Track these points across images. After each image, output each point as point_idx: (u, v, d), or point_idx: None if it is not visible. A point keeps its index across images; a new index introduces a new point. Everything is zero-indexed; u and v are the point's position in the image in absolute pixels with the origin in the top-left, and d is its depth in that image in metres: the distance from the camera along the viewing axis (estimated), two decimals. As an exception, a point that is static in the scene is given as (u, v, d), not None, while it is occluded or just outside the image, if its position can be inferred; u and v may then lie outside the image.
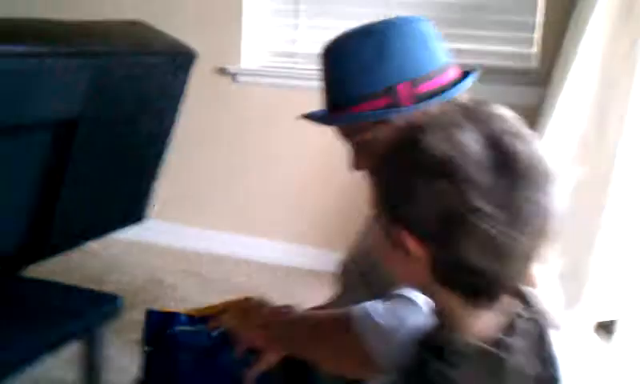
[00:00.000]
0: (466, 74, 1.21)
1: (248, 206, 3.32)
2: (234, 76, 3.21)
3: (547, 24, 2.78)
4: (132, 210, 2.06)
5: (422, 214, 0.74)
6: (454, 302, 0.79)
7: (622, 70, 2.38)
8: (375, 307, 1.01)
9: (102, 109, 1.66)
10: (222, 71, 3.21)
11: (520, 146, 0.73)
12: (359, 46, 1.12)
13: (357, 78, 1.12)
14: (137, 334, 2.31)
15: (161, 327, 1.25)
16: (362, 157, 1.17)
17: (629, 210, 2.38)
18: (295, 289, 2.91)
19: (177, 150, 2.09)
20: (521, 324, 0.79)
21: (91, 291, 1.84)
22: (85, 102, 1.58)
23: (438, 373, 0.79)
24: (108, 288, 2.60)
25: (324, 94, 1.19)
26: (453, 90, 1.13)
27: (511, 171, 0.72)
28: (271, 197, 3.27)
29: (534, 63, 2.87)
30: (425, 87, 1.11)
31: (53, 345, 1.61)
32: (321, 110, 1.22)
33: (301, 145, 3.09)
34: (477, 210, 0.71)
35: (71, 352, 2.01)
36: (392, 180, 0.78)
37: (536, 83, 2.75)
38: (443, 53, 1.17)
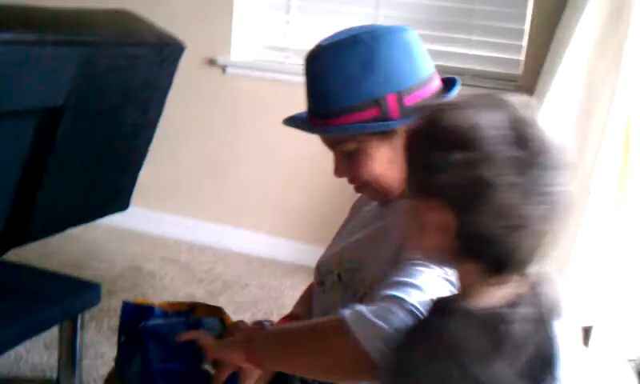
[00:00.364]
0: (448, 83, 1.22)
1: (231, 197, 3.32)
2: (223, 68, 3.21)
3: (534, 32, 2.80)
4: (114, 199, 2.06)
5: (450, 183, 0.79)
6: (474, 273, 0.84)
7: (605, 81, 2.41)
8: (367, 308, 0.96)
9: (87, 98, 1.66)
10: (212, 62, 3.21)
11: (535, 129, 0.80)
12: (345, 56, 1.11)
13: (343, 88, 1.11)
14: (115, 320, 2.33)
15: (135, 319, 1.27)
16: (347, 164, 1.17)
17: (607, 219, 2.41)
18: (273, 281, 2.93)
19: (162, 139, 2.10)
20: (528, 300, 0.84)
21: (71, 278, 1.85)
22: (70, 90, 1.58)
23: (437, 328, 0.83)
24: (86, 274, 2.60)
25: (308, 100, 1.19)
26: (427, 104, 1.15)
27: (527, 149, 0.79)
28: (255, 189, 3.28)
29: (520, 70, 2.90)
30: (410, 99, 1.12)
31: (32, 331, 1.63)
32: (302, 114, 1.22)
33: (287, 139, 3.08)
34: (497, 180, 0.77)
35: (51, 336, 2.02)
36: (421, 154, 0.84)
37: (522, 89, 2.78)
38: (427, 62, 1.17)
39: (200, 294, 2.72)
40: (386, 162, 1.15)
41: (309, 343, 1.02)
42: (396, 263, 1.12)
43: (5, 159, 1.60)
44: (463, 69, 2.92)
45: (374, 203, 1.28)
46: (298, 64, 3.34)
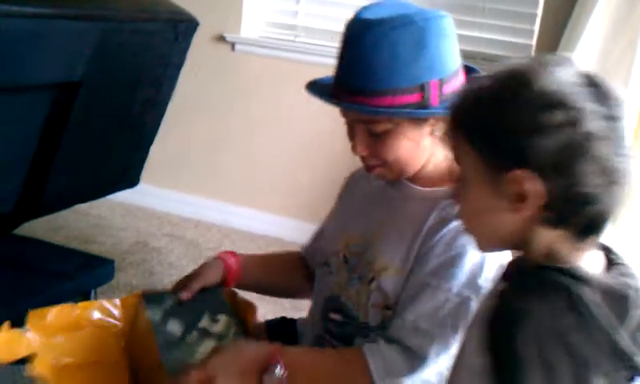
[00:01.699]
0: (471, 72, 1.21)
1: (238, 175, 3.32)
2: (232, 45, 3.19)
3: (547, 16, 2.79)
4: (125, 175, 2.07)
5: (544, 147, 0.78)
6: (560, 240, 0.82)
7: (620, 66, 2.40)
8: (390, 361, 1.06)
9: (103, 73, 1.66)
10: (221, 39, 3.19)
11: (604, 83, 0.81)
12: (399, 36, 1.08)
13: (392, 68, 1.08)
14: (124, 296, 2.33)
15: None
16: (373, 143, 1.15)
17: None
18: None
19: (170, 115, 2.09)
20: (616, 273, 0.84)
21: (84, 254, 1.86)
22: (88, 65, 1.58)
23: (506, 300, 0.81)
24: (94, 249, 2.61)
25: (343, 72, 1.14)
26: (473, 78, 1.14)
27: (606, 102, 0.79)
28: (263, 168, 3.28)
29: (532, 54, 2.89)
30: (447, 88, 1.12)
31: (47, 307, 1.63)
32: (325, 80, 1.19)
33: (296, 118, 3.09)
34: (592, 135, 0.77)
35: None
36: (510, 121, 0.80)
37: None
38: (459, 53, 1.17)
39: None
40: (412, 146, 1.15)
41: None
42: (411, 251, 1.14)
43: (21, 133, 1.60)
44: (474, 52, 2.91)
45: (374, 182, 1.26)
46: (308, 43, 3.33)
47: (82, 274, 1.74)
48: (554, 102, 0.78)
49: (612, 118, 0.79)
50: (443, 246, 1.11)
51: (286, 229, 3.17)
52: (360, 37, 1.10)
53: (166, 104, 2.06)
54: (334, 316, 1.22)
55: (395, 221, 1.19)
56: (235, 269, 1.36)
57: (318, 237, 1.42)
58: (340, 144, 1.23)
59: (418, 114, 1.11)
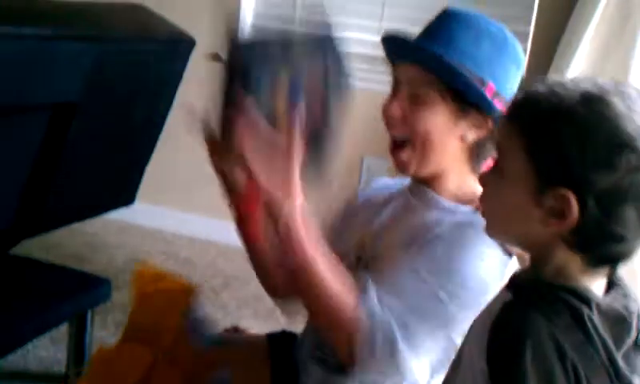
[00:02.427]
0: None
1: (232, 193, 3.32)
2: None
3: (539, 34, 2.81)
4: (122, 193, 2.07)
5: (605, 182, 0.78)
6: (575, 263, 0.83)
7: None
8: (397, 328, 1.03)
9: (100, 93, 1.66)
10: (216, 57, 3.20)
11: None
12: (488, 31, 1.16)
13: (469, 51, 1.14)
14: (119, 315, 2.34)
15: None
16: (409, 107, 1.16)
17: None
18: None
19: (164, 133, 2.08)
20: (616, 294, 0.85)
21: (81, 273, 1.85)
22: (85, 85, 1.58)
23: (512, 314, 0.82)
24: (88, 268, 2.59)
25: (425, 38, 1.18)
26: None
27: None
28: (256, 185, 3.27)
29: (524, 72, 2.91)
30: (497, 103, 1.14)
31: (46, 326, 1.62)
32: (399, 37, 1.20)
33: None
34: None
35: (57, 330, 2.02)
36: (583, 149, 0.78)
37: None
38: (515, 87, 1.19)
39: (202, 290, 2.72)
40: (443, 129, 1.15)
41: (325, 308, 1.05)
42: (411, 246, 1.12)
43: (17, 153, 1.60)
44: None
45: (398, 190, 1.26)
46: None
47: (79, 294, 1.74)
48: (630, 144, 0.78)
49: None
50: (447, 246, 1.10)
51: (281, 246, 3.17)
52: (455, 18, 1.19)
53: (163, 123, 2.06)
54: None
55: (403, 219, 1.20)
56: None
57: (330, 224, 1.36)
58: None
59: (473, 88, 1.12)
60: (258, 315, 2.54)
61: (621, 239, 0.79)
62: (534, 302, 0.81)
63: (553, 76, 0.86)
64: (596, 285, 0.85)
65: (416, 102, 1.15)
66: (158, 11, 1.90)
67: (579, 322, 0.79)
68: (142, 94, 1.87)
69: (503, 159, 0.86)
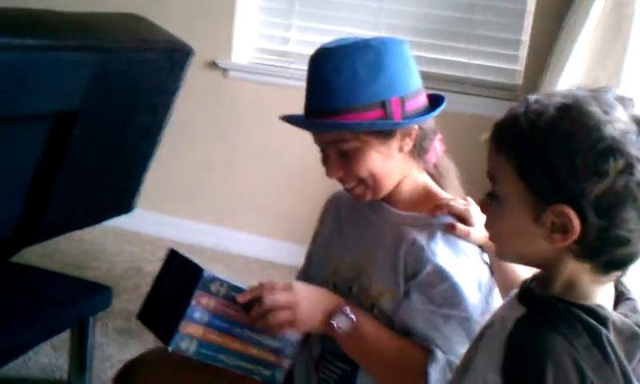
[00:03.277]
0: (435, 98, 1.27)
1: (230, 200, 3.34)
2: (224, 71, 3.23)
3: (533, 43, 2.85)
4: (122, 201, 2.08)
5: (597, 190, 0.79)
6: (583, 273, 0.84)
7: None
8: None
9: (100, 102, 1.68)
10: (213, 65, 3.23)
11: None
12: (356, 58, 1.15)
13: (352, 88, 1.15)
14: (120, 322, 2.35)
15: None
16: (345, 163, 1.20)
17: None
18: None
19: (162, 141, 2.11)
20: (626, 309, 0.87)
21: (82, 280, 1.86)
22: (86, 94, 1.60)
23: (531, 333, 0.83)
24: (88, 275, 2.61)
25: (310, 98, 1.21)
26: (433, 112, 1.22)
27: None
28: (254, 192, 3.30)
29: (518, 80, 2.95)
30: (410, 106, 1.18)
31: (49, 333, 1.64)
32: (300, 115, 1.24)
33: (287, 143, 3.12)
34: None
35: (58, 337, 2.03)
36: (570, 161, 0.80)
37: (519, 99, 2.81)
38: (419, 76, 1.23)
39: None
40: (383, 160, 1.20)
41: (389, 367, 1.15)
42: (398, 276, 1.17)
43: (18, 162, 1.62)
44: (462, 77, 2.97)
45: (357, 206, 1.30)
46: (300, 69, 3.37)
47: (80, 301, 1.75)
48: (614, 149, 0.79)
49: None
50: (433, 275, 1.15)
51: (280, 252, 3.19)
52: (322, 61, 1.17)
53: (162, 131, 2.08)
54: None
55: (379, 246, 1.23)
56: None
57: (307, 262, 1.44)
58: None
59: (379, 127, 1.16)
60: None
61: (626, 241, 0.81)
62: (552, 322, 0.82)
63: (531, 95, 0.87)
64: (607, 297, 0.87)
65: (347, 156, 1.19)
66: (156, 21, 1.93)
67: (598, 343, 0.81)
68: (141, 103, 1.89)
69: (497, 186, 0.88)
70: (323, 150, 1.23)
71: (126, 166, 2.01)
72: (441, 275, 1.14)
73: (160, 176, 3.14)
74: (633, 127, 0.81)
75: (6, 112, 1.45)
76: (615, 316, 0.84)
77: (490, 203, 0.90)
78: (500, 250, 0.93)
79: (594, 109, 0.81)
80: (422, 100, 1.21)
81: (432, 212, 1.20)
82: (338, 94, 1.15)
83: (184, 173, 3.39)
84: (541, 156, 0.82)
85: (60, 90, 1.57)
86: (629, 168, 0.79)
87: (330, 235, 1.36)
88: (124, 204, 2.12)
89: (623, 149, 0.79)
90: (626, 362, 0.81)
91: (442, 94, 1.28)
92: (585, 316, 0.82)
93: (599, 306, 0.84)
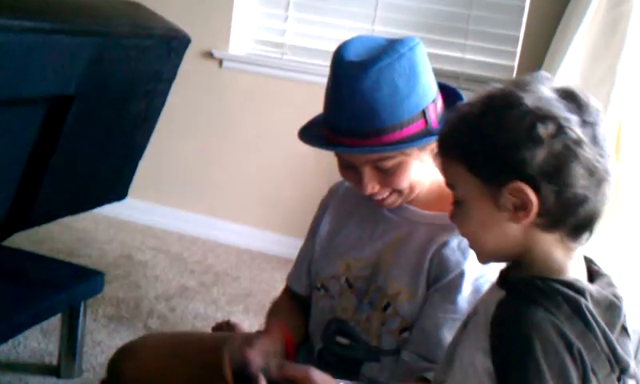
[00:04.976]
0: (453, 94, 1.25)
1: (222, 190, 3.34)
2: (220, 61, 3.22)
3: (529, 39, 2.86)
4: (115, 188, 2.08)
5: (538, 157, 0.84)
6: (556, 246, 0.88)
7: (599, 89, 2.45)
8: None
9: (96, 87, 1.68)
10: (209, 55, 3.22)
11: (578, 94, 0.88)
12: (393, 71, 1.10)
13: (395, 103, 1.11)
14: (110, 309, 2.35)
15: None
16: (384, 178, 1.17)
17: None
18: (264, 274, 2.95)
19: (155, 130, 2.10)
20: (602, 283, 0.91)
21: (74, 265, 1.86)
22: (82, 79, 1.60)
23: (514, 311, 0.86)
24: (79, 262, 2.60)
25: (345, 117, 1.13)
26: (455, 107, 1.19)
27: (584, 111, 0.86)
28: (246, 183, 3.30)
29: (512, 76, 2.95)
30: (439, 107, 1.17)
31: (40, 317, 1.63)
32: (314, 123, 1.21)
33: (280, 135, 3.12)
34: (578, 141, 0.84)
35: (48, 322, 2.03)
36: (504, 139, 0.85)
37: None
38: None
39: (193, 285, 2.74)
40: (420, 168, 1.18)
41: None
42: (420, 276, 1.16)
43: (14, 144, 1.61)
44: (458, 72, 2.97)
45: (363, 202, 1.26)
46: (295, 61, 3.36)
47: (72, 285, 1.74)
48: (542, 116, 0.84)
49: (592, 124, 0.86)
50: (460, 278, 1.14)
51: (270, 243, 3.19)
52: (358, 79, 1.10)
53: (157, 118, 2.08)
54: (341, 340, 1.23)
55: (401, 245, 1.20)
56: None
57: (302, 261, 1.38)
58: (325, 160, 1.23)
59: (431, 140, 1.12)
60: (248, 310, 2.56)
61: (584, 198, 0.85)
62: (532, 298, 0.86)
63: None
64: (581, 273, 0.90)
65: (387, 171, 1.16)
66: (154, 9, 1.93)
67: (578, 312, 0.84)
68: (136, 90, 1.89)
69: (457, 191, 0.93)
70: (348, 166, 1.18)
71: (120, 152, 2.00)
72: (467, 279, 1.13)
73: (152, 165, 3.14)
74: (553, 94, 0.87)
75: (1, 94, 1.44)
76: (592, 287, 0.88)
77: (456, 210, 0.94)
78: (478, 250, 0.95)
79: (514, 89, 0.88)
80: (439, 96, 1.19)
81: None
82: (382, 114, 1.10)
83: (176, 162, 3.38)
84: (479, 142, 0.87)
85: (56, 73, 1.56)
86: (560, 129, 0.84)
87: (335, 231, 1.31)
88: (117, 191, 2.11)
89: (548, 113, 0.84)
90: (607, 329, 0.85)
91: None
92: (564, 288, 0.86)
93: (576, 279, 0.88)
